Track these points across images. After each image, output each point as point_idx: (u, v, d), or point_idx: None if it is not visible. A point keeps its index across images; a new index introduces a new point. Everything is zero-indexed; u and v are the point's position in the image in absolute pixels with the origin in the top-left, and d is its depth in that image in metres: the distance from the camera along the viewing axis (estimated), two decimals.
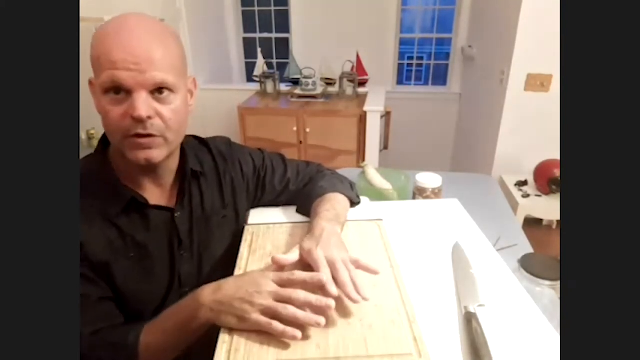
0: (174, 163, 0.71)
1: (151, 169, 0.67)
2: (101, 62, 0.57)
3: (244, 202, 0.82)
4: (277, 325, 0.51)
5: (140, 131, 0.59)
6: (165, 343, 0.60)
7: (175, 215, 0.71)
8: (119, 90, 0.57)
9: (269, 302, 0.53)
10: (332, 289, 0.55)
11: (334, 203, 0.77)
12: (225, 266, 0.70)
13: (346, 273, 0.58)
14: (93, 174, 0.66)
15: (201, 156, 0.77)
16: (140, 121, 0.58)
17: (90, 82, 0.62)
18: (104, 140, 0.68)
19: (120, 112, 0.58)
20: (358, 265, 0.61)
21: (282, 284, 0.56)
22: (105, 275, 0.65)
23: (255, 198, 0.85)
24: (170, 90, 0.60)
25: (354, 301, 0.55)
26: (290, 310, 0.52)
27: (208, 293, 0.57)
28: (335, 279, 0.57)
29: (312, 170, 0.91)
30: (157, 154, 0.62)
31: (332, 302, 0.53)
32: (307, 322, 0.52)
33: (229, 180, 0.79)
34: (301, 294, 0.54)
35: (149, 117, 0.58)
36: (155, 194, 0.70)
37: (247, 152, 0.85)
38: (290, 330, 0.51)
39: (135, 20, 0.59)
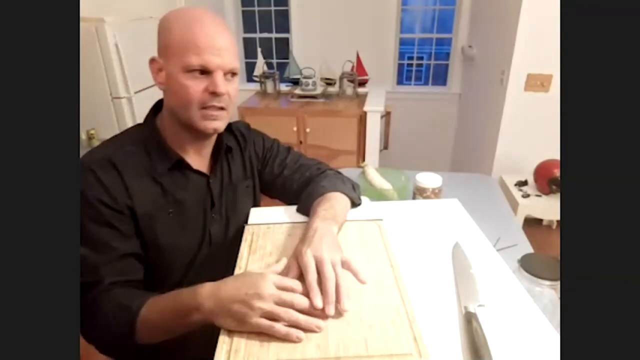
0: (215, 136, 0.83)
1: (203, 138, 0.80)
2: (187, 46, 0.69)
3: (257, 178, 0.94)
4: (280, 328, 0.52)
5: (216, 103, 0.72)
6: (161, 323, 0.63)
7: (210, 180, 0.82)
8: (200, 71, 0.70)
9: (270, 306, 0.53)
10: (317, 301, 0.55)
11: (333, 202, 0.78)
12: None
13: (332, 281, 0.57)
14: (144, 137, 0.77)
15: (227, 136, 0.88)
16: (218, 95, 0.71)
17: (154, 60, 0.74)
18: (155, 110, 0.80)
19: (201, 88, 0.70)
20: (348, 267, 0.61)
21: (283, 289, 0.56)
22: (148, 225, 0.74)
23: (260, 177, 0.94)
24: (235, 73, 0.75)
25: (327, 314, 0.54)
26: (293, 315, 0.53)
27: (207, 293, 0.57)
28: (319, 285, 0.57)
29: (312, 165, 0.94)
30: (221, 125, 0.76)
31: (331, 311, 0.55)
32: (307, 327, 0.52)
33: (248, 156, 0.92)
34: (302, 300, 0.54)
35: (223, 94, 0.71)
36: (196, 161, 0.81)
37: (261, 136, 0.97)
38: (294, 331, 0.51)
39: (208, 13, 0.72)
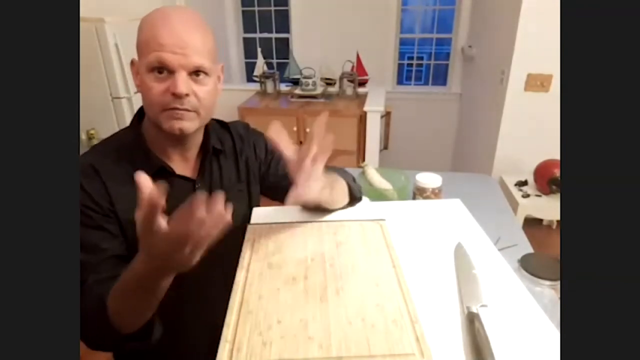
0: (199, 139, 0.80)
1: (180, 142, 0.76)
2: (150, 44, 0.65)
3: (256, 181, 0.91)
4: (204, 236, 0.51)
5: (178, 106, 0.68)
6: (126, 302, 0.60)
7: (197, 186, 0.79)
8: (162, 70, 0.66)
9: (191, 244, 0.51)
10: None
11: (332, 181, 0.76)
12: (239, 235, 0.75)
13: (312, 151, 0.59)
14: (128, 143, 0.75)
15: (222, 136, 0.86)
16: (179, 97, 0.67)
17: (133, 63, 0.72)
18: (139, 116, 0.77)
19: (162, 88, 0.67)
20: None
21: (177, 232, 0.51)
22: (131, 232, 0.70)
23: (263, 179, 0.92)
24: (206, 73, 0.69)
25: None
26: (205, 229, 0.50)
27: (140, 264, 0.55)
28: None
29: None
30: (189, 125, 0.70)
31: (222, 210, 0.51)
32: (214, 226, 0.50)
33: (245, 159, 0.88)
34: (194, 223, 0.50)
35: (187, 95, 0.67)
36: (180, 166, 0.78)
37: (263, 137, 0.93)
38: (217, 214, 0.50)
39: (179, 11, 0.69)
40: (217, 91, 0.75)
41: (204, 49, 0.68)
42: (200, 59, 0.67)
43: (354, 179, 0.89)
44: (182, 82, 0.66)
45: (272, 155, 0.92)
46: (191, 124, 0.71)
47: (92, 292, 0.66)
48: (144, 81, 0.68)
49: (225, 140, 0.86)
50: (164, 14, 0.67)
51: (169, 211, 0.75)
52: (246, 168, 0.88)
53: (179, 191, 0.77)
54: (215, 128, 0.86)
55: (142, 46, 0.67)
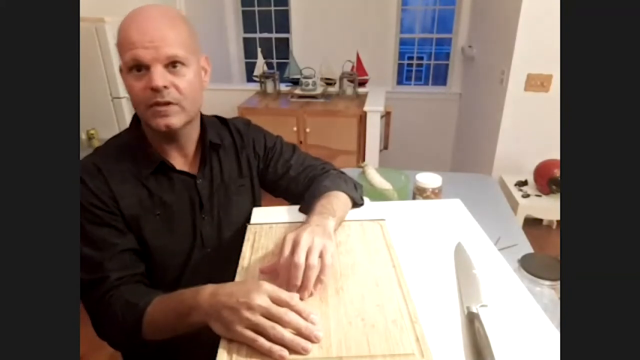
0: (194, 133, 0.81)
1: (173, 138, 0.77)
2: (123, 45, 0.66)
3: (257, 177, 0.91)
4: (263, 343, 0.49)
5: (159, 99, 0.67)
6: (164, 323, 0.63)
7: (197, 181, 0.80)
8: (140, 68, 0.67)
9: (257, 319, 0.51)
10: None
11: (332, 199, 0.78)
12: (244, 231, 0.77)
13: (300, 269, 0.57)
14: (129, 142, 0.77)
15: (221, 132, 0.87)
16: (157, 90, 0.66)
17: (121, 69, 0.71)
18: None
19: (141, 86, 0.67)
20: (322, 257, 0.59)
21: (277, 302, 0.53)
22: (135, 227, 0.75)
23: (262, 176, 0.92)
24: (182, 63, 0.69)
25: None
26: (278, 331, 0.50)
27: (206, 294, 0.57)
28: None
29: (317, 166, 0.93)
30: (175, 120, 0.71)
31: (320, 334, 0.51)
32: (292, 346, 0.49)
33: (245, 155, 0.89)
34: (292, 317, 0.51)
35: (165, 87, 0.67)
36: (180, 162, 0.80)
37: (262, 133, 0.94)
38: (277, 349, 0.49)
39: (148, 7, 0.69)
40: (201, 83, 0.75)
41: (176, 40, 0.67)
42: (172, 49, 0.66)
43: (355, 186, 0.88)
44: (158, 75, 0.66)
45: (272, 153, 0.92)
46: (177, 119, 0.71)
47: (119, 293, 0.68)
48: (127, 82, 0.69)
49: (224, 136, 0.87)
50: (133, 13, 0.68)
51: (170, 205, 0.77)
52: (248, 164, 0.89)
53: (180, 186, 0.79)
54: (215, 124, 0.87)
55: (119, 49, 0.68)
